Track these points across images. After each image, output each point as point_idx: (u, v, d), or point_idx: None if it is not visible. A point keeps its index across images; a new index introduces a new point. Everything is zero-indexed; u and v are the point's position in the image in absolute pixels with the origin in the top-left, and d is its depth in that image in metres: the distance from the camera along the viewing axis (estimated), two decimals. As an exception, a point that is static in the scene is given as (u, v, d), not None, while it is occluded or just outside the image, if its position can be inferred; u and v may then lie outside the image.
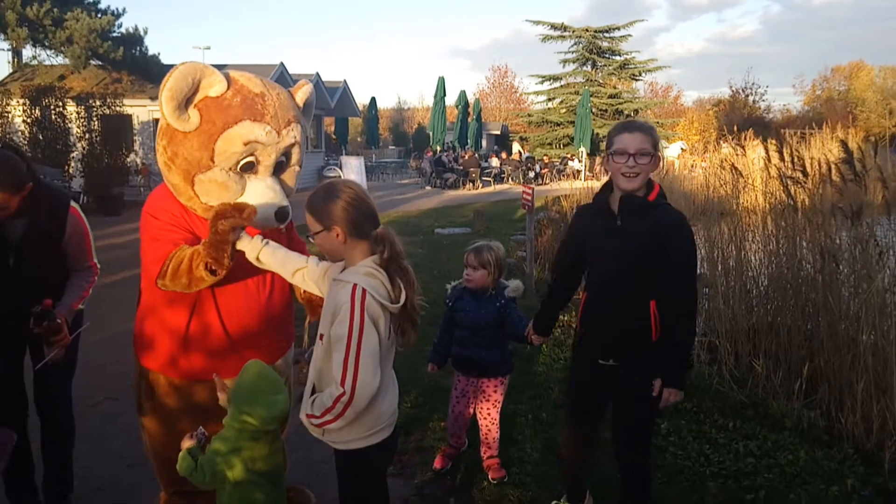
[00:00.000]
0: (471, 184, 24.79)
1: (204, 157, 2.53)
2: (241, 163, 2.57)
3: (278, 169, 2.72)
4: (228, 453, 2.25)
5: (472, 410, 3.71)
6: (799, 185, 4.95)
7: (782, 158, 5.11)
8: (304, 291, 2.73)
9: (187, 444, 2.28)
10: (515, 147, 34.67)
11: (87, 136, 15.98)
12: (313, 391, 2.25)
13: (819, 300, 4.87)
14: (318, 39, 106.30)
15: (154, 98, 18.55)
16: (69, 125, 15.69)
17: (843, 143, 4.38)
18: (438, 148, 27.51)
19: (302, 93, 2.90)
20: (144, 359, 2.82)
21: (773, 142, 5.62)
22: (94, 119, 16.13)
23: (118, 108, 16.87)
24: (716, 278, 5.99)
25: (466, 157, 26.21)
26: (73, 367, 3.19)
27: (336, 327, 2.13)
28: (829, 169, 4.82)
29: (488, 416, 3.63)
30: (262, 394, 2.24)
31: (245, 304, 2.75)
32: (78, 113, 15.93)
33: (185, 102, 2.50)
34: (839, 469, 3.73)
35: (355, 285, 2.13)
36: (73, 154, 15.74)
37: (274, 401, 2.23)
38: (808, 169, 5.01)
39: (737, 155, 7.79)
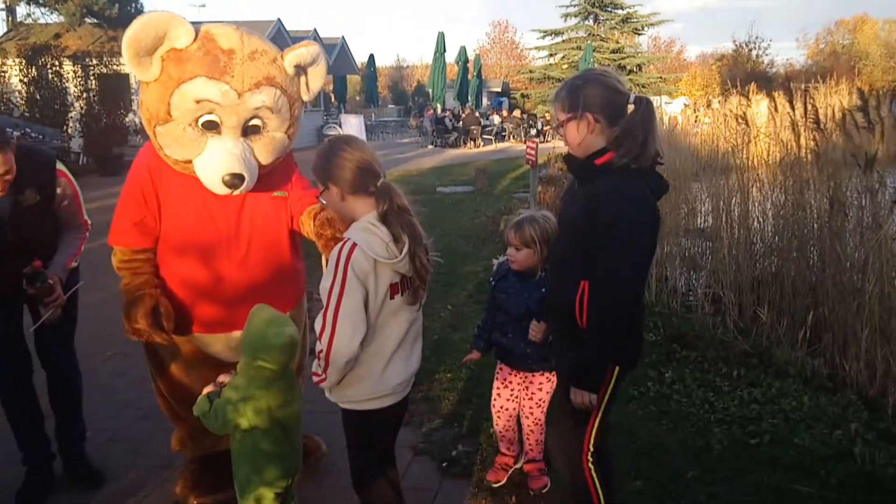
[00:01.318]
0: (472, 142, 24.60)
1: (161, 110, 2.52)
2: (201, 120, 2.53)
3: (252, 132, 2.63)
4: (238, 401, 2.26)
5: (516, 406, 3.16)
6: (816, 131, 4.90)
7: (793, 108, 5.04)
8: (318, 235, 2.70)
9: (208, 389, 2.30)
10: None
11: (84, 95, 15.81)
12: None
13: (825, 250, 4.87)
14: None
15: (150, 56, 18.32)
16: (66, 84, 15.52)
17: (860, 91, 4.32)
18: (439, 106, 27.23)
19: (293, 56, 2.67)
20: None
21: (783, 93, 5.54)
22: (92, 78, 15.94)
23: (115, 67, 16.64)
24: (720, 230, 5.99)
25: (466, 115, 25.96)
26: (74, 322, 3.14)
27: (322, 281, 2.13)
28: (844, 117, 4.76)
29: (531, 415, 3.11)
30: (270, 335, 2.24)
31: (224, 261, 2.78)
32: (75, 72, 15.73)
33: (149, 52, 2.47)
34: (843, 414, 3.77)
35: (345, 240, 2.11)
36: (72, 114, 15.60)
37: (279, 332, 2.23)
38: (818, 119, 4.96)
39: (744, 106, 7.73)
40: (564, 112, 2.30)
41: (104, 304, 3.12)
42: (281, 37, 20.22)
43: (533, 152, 7.42)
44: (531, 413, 3.10)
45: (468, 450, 3.47)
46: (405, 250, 2.12)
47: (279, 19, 20.24)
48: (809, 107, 4.91)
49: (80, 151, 16.17)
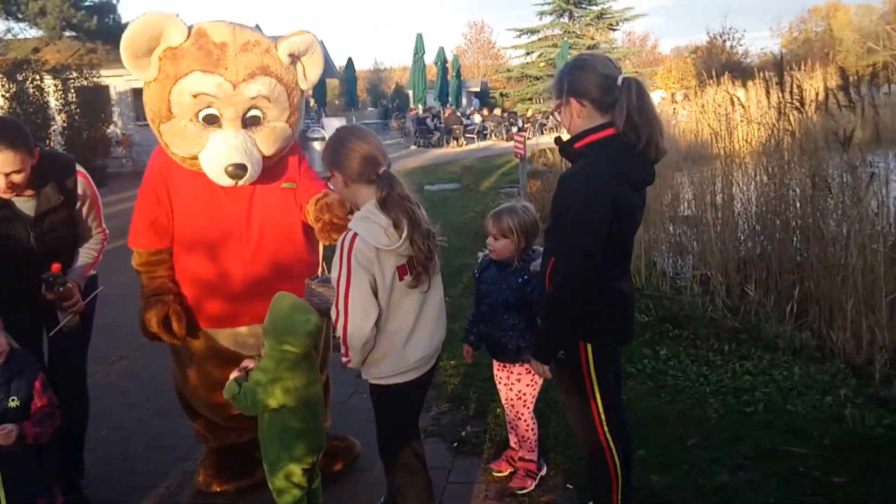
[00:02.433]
0: (454, 141, 24.75)
1: (163, 108, 2.62)
2: (202, 115, 2.62)
3: (252, 124, 2.70)
4: (268, 383, 2.38)
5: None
6: (798, 111, 5.08)
7: (782, 89, 5.20)
8: (317, 219, 2.74)
9: (235, 374, 2.41)
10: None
11: (65, 108, 15.78)
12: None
13: (809, 226, 5.05)
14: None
15: (131, 67, 18.26)
16: (47, 98, 15.48)
17: (842, 70, 4.50)
18: (420, 107, 27.34)
19: (286, 45, 2.73)
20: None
21: (772, 75, 5.72)
22: (72, 91, 15.91)
23: (95, 80, 16.66)
24: (705, 215, 6.16)
25: (448, 115, 26.11)
26: (88, 336, 3.06)
27: (332, 272, 2.27)
28: (826, 96, 4.94)
29: (511, 408, 3.12)
30: (298, 321, 2.36)
31: (237, 254, 2.85)
32: (56, 86, 15.71)
33: (146, 52, 2.57)
34: (832, 382, 3.93)
35: (347, 231, 2.24)
36: (54, 127, 15.57)
37: (306, 320, 2.35)
38: (801, 100, 5.14)
39: (733, 91, 7.95)
40: (555, 99, 2.41)
41: (101, 311, 3.14)
42: (260, 43, 20.23)
43: (521, 146, 7.56)
44: (512, 406, 3.11)
45: (477, 430, 3.60)
46: (404, 235, 2.22)
47: (257, 25, 20.23)
48: (795, 88, 5.08)
49: (63, 164, 16.11)
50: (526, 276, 2.92)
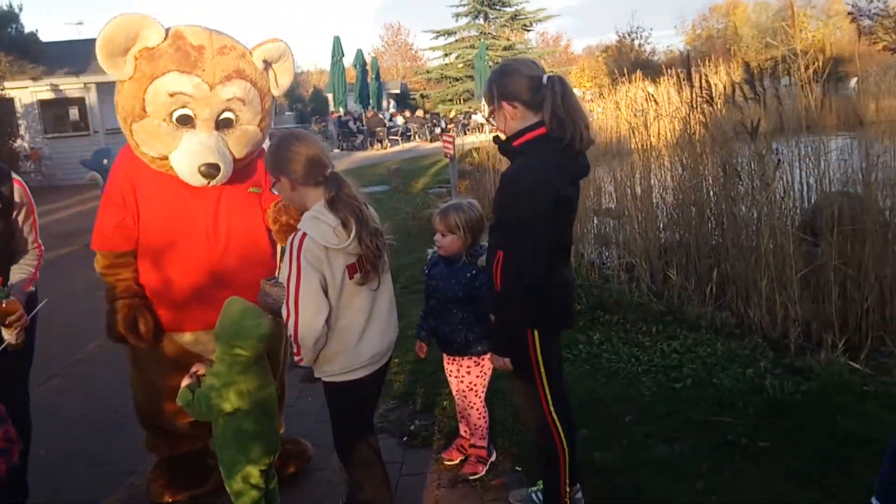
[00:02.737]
0: (378, 143, 24.74)
1: (136, 107, 2.64)
2: (176, 115, 2.64)
3: (225, 126, 2.74)
4: (221, 387, 2.39)
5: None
6: (707, 104, 5.40)
7: (690, 85, 5.52)
8: (274, 220, 2.77)
9: (186, 381, 2.42)
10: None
11: (-34, 123, 15.01)
12: None
13: (722, 213, 5.38)
14: (198, 5, 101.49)
15: (36, 79, 17.48)
16: (-55, 112, 14.69)
17: (746, 64, 4.81)
18: (342, 110, 27.20)
19: (261, 51, 2.81)
20: None
21: (680, 73, 6.08)
22: (-28, 105, 15.15)
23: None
24: (626, 207, 6.45)
25: (370, 117, 26.09)
26: (31, 355, 2.87)
27: (282, 273, 2.30)
28: (734, 90, 5.27)
29: (464, 398, 3.22)
30: (248, 326, 2.39)
31: (204, 257, 2.86)
32: (-47, 99, 14.91)
33: (122, 52, 2.59)
34: (752, 355, 4.21)
35: (297, 231, 2.28)
36: (-46, 143, 14.79)
37: (257, 324, 2.38)
38: (710, 94, 5.47)
39: (647, 88, 8.33)
40: (489, 105, 2.54)
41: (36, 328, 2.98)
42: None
43: (450, 146, 7.71)
44: (465, 396, 3.21)
45: (425, 423, 3.70)
46: (353, 234, 2.27)
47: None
48: (704, 83, 5.42)
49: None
50: (474, 272, 3.01)
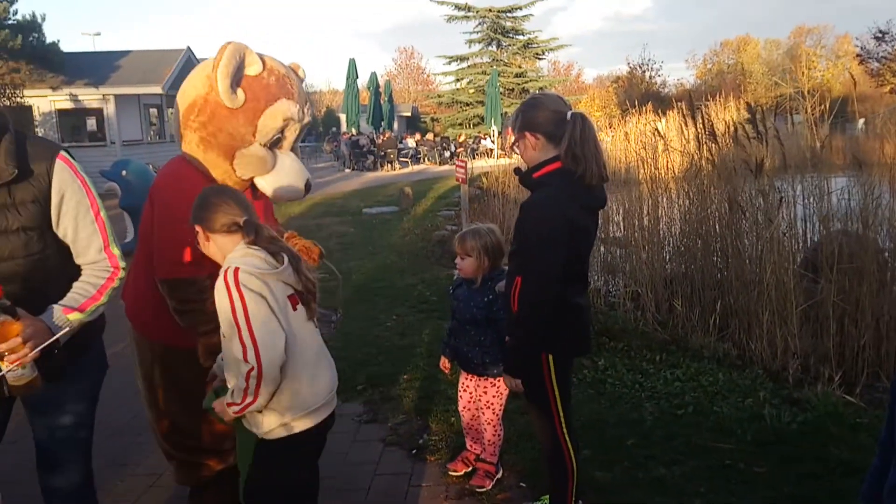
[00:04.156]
0: (388, 165, 25.04)
1: (248, 133, 2.70)
2: (273, 139, 2.77)
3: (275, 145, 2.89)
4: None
5: (477, 406, 3.36)
6: (713, 142, 5.60)
7: (695, 123, 5.72)
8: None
9: (214, 384, 2.51)
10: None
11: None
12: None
13: (727, 247, 5.54)
14: (216, 21, 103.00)
15: (55, 88, 17.83)
16: (-34, 118, 14.97)
17: (748, 105, 5.00)
18: (354, 131, 27.55)
19: (302, 72, 3.03)
20: (140, 328, 2.89)
21: (684, 109, 6.29)
22: (-8, 111, 15.42)
23: (18, 100, 16.21)
24: (633, 237, 6.63)
25: (385, 139, 26.44)
26: (86, 412, 2.29)
27: (220, 315, 2.12)
28: (736, 129, 5.47)
29: (482, 416, 3.31)
30: None
31: None
32: (-25, 106, 15.23)
33: (238, 81, 2.67)
34: (752, 386, 4.34)
35: (226, 269, 2.12)
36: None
37: None
38: (714, 132, 5.66)
39: (655, 121, 8.55)
40: (514, 133, 2.71)
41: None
42: (192, 65, 20.04)
43: (463, 170, 7.91)
44: (482, 414, 3.31)
45: (434, 437, 3.82)
46: (286, 262, 2.18)
47: (189, 47, 20.13)
48: (707, 121, 5.62)
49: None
50: (492, 296, 3.13)
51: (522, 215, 2.58)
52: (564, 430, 2.71)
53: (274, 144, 2.80)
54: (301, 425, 2.23)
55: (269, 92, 2.72)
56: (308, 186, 2.90)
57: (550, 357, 2.62)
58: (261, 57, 2.78)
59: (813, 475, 3.28)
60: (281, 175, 2.82)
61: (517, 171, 2.77)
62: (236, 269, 2.10)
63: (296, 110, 2.79)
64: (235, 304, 2.08)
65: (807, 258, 5.23)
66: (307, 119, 2.88)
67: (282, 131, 2.79)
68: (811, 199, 5.43)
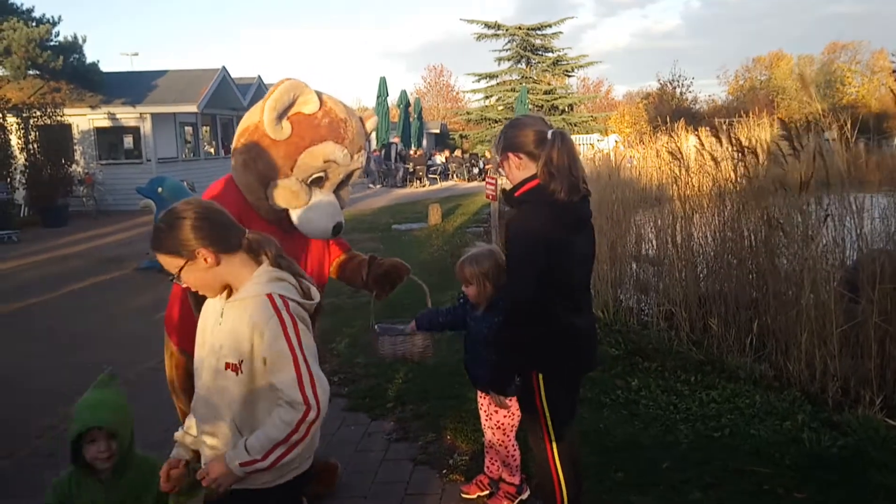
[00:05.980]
0: (417, 181, 25.16)
1: (286, 166, 2.77)
2: (313, 177, 2.82)
3: (339, 185, 2.97)
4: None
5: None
6: (749, 157, 5.52)
7: (720, 141, 5.65)
8: (339, 271, 2.98)
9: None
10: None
11: (27, 147, 15.72)
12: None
13: (764, 266, 5.43)
14: (253, 40, 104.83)
15: (94, 107, 18.28)
16: (9, 136, 15.41)
17: (782, 121, 4.92)
18: (384, 148, 27.80)
19: (371, 123, 3.11)
20: (175, 339, 3.01)
21: (711, 128, 6.23)
22: (32, 130, 15.87)
23: (59, 119, 16.63)
24: (666, 255, 6.54)
25: (415, 156, 26.63)
26: None
27: (271, 345, 1.87)
28: (768, 147, 5.38)
29: (492, 436, 3.31)
30: None
31: None
32: (18, 124, 15.66)
33: (285, 114, 2.76)
34: (790, 408, 4.24)
35: (270, 295, 1.91)
36: (14, 165, 15.48)
37: None
38: (750, 148, 5.58)
39: (675, 142, 8.42)
40: (497, 155, 2.75)
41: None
42: (226, 84, 20.42)
43: (493, 188, 7.91)
44: (493, 434, 3.30)
45: (465, 457, 3.79)
46: (313, 291, 2.04)
47: (224, 67, 20.46)
48: (734, 139, 5.57)
49: (24, 203, 16.01)
50: (499, 318, 3.04)
51: (507, 234, 2.61)
52: (555, 455, 2.69)
53: (316, 182, 2.84)
54: (305, 465, 2.06)
55: (316, 132, 2.77)
56: (338, 228, 2.88)
57: (540, 376, 2.62)
58: (321, 97, 2.84)
59: (854, 501, 3.18)
60: (311, 212, 2.85)
61: (503, 191, 2.80)
62: (281, 296, 1.92)
63: (341, 155, 2.81)
64: (291, 336, 1.87)
65: (846, 278, 5.10)
66: (356, 165, 2.90)
67: (324, 171, 2.82)
68: (850, 218, 5.30)
